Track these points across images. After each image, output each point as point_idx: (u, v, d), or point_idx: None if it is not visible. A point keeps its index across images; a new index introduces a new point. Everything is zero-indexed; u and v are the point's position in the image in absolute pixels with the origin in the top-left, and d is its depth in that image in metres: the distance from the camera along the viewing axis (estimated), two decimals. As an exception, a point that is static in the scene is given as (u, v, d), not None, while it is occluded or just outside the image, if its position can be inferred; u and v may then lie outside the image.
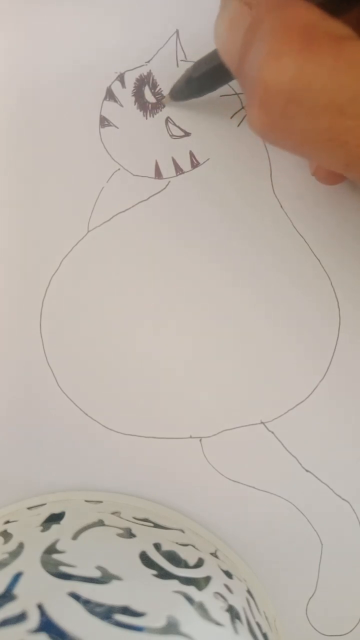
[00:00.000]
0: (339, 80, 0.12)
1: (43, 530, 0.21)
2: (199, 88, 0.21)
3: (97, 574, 0.18)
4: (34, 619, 0.16)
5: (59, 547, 0.19)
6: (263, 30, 0.13)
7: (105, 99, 0.23)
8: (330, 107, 0.13)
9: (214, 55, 0.19)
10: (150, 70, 0.22)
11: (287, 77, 0.13)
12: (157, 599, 0.18)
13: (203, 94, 0.21)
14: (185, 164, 0.23)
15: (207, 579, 0.20)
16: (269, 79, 0.13)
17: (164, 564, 0.20)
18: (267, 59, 0.13)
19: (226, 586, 0.20)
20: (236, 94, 0.22)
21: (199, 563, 0.21)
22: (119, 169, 0.23)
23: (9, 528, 0.22)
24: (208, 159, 0.23)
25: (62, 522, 0.21)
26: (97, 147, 0.23)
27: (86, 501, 0.23)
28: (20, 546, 0.20)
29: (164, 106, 0.23)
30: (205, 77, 0.20)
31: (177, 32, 0.22)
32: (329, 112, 0.13)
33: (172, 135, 0.23)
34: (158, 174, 0.23)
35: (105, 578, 0.18)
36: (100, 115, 0.23)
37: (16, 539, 0.20)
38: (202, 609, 0.18)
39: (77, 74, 0.23)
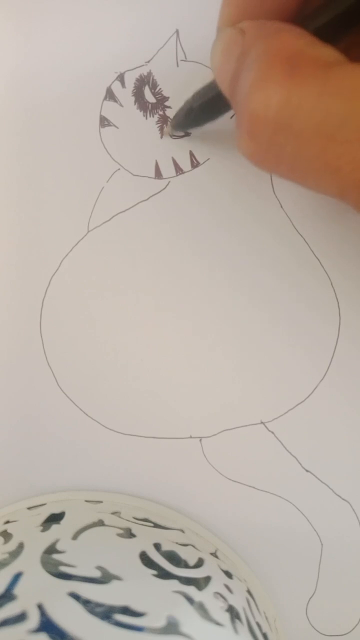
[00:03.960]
0: (327, 106, 0.12)
1: (43, 530, 0.21)
2: (200, 118, 0.20)
3: (97, 574, 0.18)
4: (34, 619, 0.16)
5: (59, 547, 0.19)
6: (250, 58, 0.13)
7: (105, 99, 0.23)
8: (319, 134, 0.12)
9: (213, 85, 0.19)
10: (150, 70, 0.22)
11: (273, 105, 0.13)
12: (157, 599, 0.18)
13: (204, 123, 0.21)
14: (185, 164, 0.23)
15: (207, 579, 0.20)
16: (255, 107, 0.13)
17: (164, 564, 0.20)
18: (252, 87, 0.13)
19: (226, 586, 0.20)
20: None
21: (199, 563, 0.21)
22: (119, 169, 0.23)
23: (9, 528, 0.22)
24: (208, 159, 0.23)
25: (62, 522, 0.21)
26: (97, 147, 0.23)
27: (86, 501, 0.23)
28: (20, 546, 0.20)
29: (167, 106, 0.22)
30: (206, 107, 0.20)
31: (177, 32, 0.22)
32: (319, 138, 0.12)
33: (172, 135, 0.23)
34: (158, 174, 0.23)
35: (105, 578, 0.18)
36: (100, 115, 0.23)
37: (16, 539, 0.20)
38: (202, 609, 0.18)
39: (77, 74, 0.23)
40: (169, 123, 0.22)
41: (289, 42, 0.13)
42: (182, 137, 0.23)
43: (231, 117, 0.23)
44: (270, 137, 0.13)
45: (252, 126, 0.13)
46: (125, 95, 0.23)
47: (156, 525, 0.22)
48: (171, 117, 0.23)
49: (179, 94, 0.22)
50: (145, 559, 0.20)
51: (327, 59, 0.13)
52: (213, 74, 0.16)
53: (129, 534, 0.21)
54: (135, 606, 0.17)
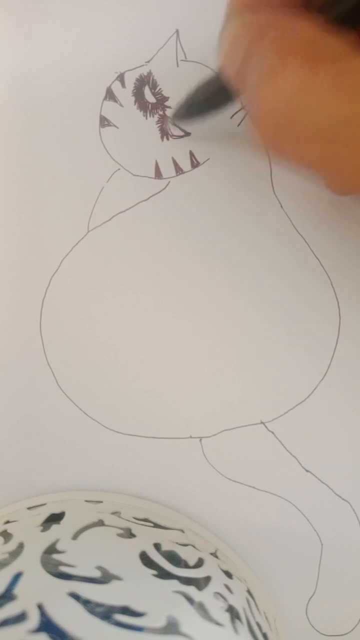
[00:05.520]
0: (332, 106, 0.12)
1: (43, 530, 0.21)
2: (203, 110, 0.20)
3: (97, 574, 0.18)
4: (34, 619, 0.16)
5: (59, 547, 0.19)
6: (263, 47, 0.13)
7: (105, 99, 0.23)
8: (321, 135, 0.12)
9: (216, 77, 0.19)
10: (150, 70, 0.22)
11: (285, 95, 0.13)
12: (157, 599, 0.18)
13: (206, 116, 0.21)
14: (185, 164, 0.23)
15: (207, 579, 0.20)
16: (268, 98, 0.13)
17: (164, 564, 0.20)
18: (265, 78, 0.13)
19: (226, 586, 0.20)
20: (236, 94, 0.22)
21: (199, 563, 0.21)
22: (119, 169, 0.23)
23: (9, 528, 0.22)
24: (208, 159, 0.23)
25: (62, 522, 0.21)
26: (97, 147, 0.23)
27: (86, 501, 0.23)
28: (20, 546, 0.20)
29: (167, 106, 0.22)
30: (209, 98, 0.20)
31: (177, 32, 0.22)
32: (320, 139, 0.12)
33: (172, 135, 0.23)
34: (158, 174, 0.23)
35: (105, 578, 0.18)
36: (100, 115, 0.23)
37: (16, 539, 0.20)
38: (202, 609, 0.18)
39: (77, 74, 0.23)
40: (170, 115, 0.22)
41: (302, 32, 0.13)
42: (182, 137, 0.23)
43: (231, 117, 0.23)
44: (284, 127, 0.13)
45: (265, 116, 0.13)
46: (125, 95, 0.23)
47: (156, 525, 0.22)
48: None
49: (179, 94, 0.22)
50: (145, 559, 0.20)
51: (341, 51, 0.13)
52: (219, 60, 0.16)
53: (129, 534, 0.21)
54: (135, 606, 0.17)
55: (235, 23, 0.15)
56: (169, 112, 0.22)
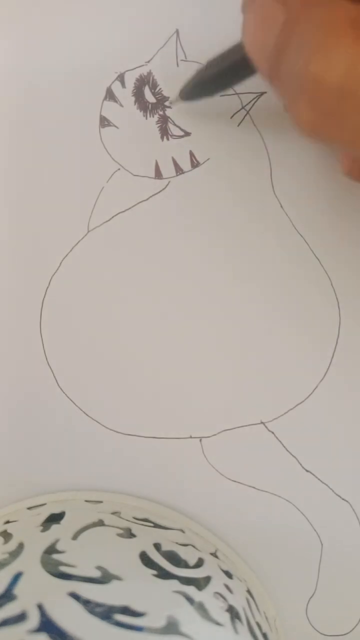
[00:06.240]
0: None
1: (43, 530, 0.21)
2: (213, 87, 0.20)
3: (97, 574, 0.18)
4: (34, 619, 0.16)
5: (59, 547, 0.19)
6: (305, 26, 0.13)
7: (105, 99, 0.23)
8: None
9: (230, 53, 0.19)
10: (150, 70, 0.22)
11: (339, 71, 0.12)
12: (157, 599, 0.18)
13: (215, 93, 0.21)
14: (185, 164, 0.23)
15: (207, 579, 0.20)
16: (320, 74, 0.13)
17: (164, 564, 0.20)
18: (315, 54, 0.13)
19: (226, 586, 0.20)
20: (236, 93, 0.22)
21: (199, 563, 0.21)
22: (119, 169, 0.23)
23: (9, 528, 0.22)
24: (208, 159, 0.23)
25: (62, 522, 0.21)
26: (97, 147, 0.23)
27: (86, 501, 0.23)
28: (20, 546, 0.20)
29: (167, 106, 0.22)
30: (220, 75, 0.19)
31: (177, 32, 0.22)
32: None
33: (172, 135, 0.23)
34: (158, 174, 0.23)
35: (105, 578, 0.18)
36: (100, 115, 0.23)
37: (16, 539, 0.20)
38: (202, 609, 0.18)
39: (77, 74, 0.23)
40: (178, 93, 0.22)
41: (348, 9, 0.13)
42: (182, 137, 0.23)
43: (231, 117, 0.23)
44: (335, 104, 0.13)
45: (316, 93, 0.13)
46: (125, 95, 0.23)
47: (156, 525, 0.22)
48: (171, 117, 0.23)
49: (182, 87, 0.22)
50: (145, 559, 0.20)
51: None
52: (245, 43, 0.15)
53: (129, 534, 0.21)
54: (135, 606, 0.17)
55: (260, 5, 0.14)
56: (169, 113, 0.22)
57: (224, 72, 0.19)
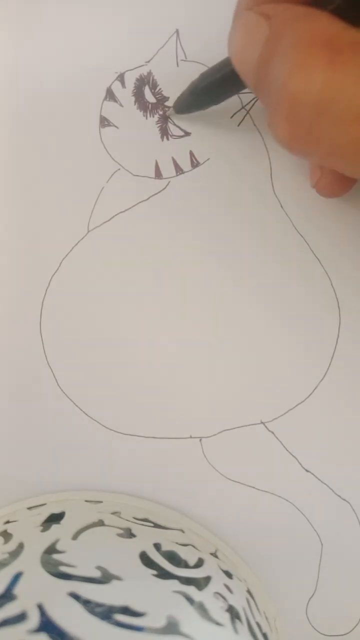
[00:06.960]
0: None
1: (43, 530, 0.21)
2: (205, 100, 0.21)
3: (97, 574, 0.18)
4: (34, 619, 0.16)
5: (59, 547, 0.19)
6: (285, 42, 0.13)
7: (105, 99, 0.23)
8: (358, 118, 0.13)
9: (220, 67, 0.19)
10: (150, 70, 0.22)
11: (315, 89, 0.13)
12: (157, 599, 0.18)
13: (208, 106, 0.21)
14: (185, 164, 0.23)
15: (207, 579, 0.20)
16: (296, 91, 0.13)
17: (164, 564, 0.20)
18: (293, 71, 0.13)
19: (226, 586, 0.20)
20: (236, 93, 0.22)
21: (199, 563, 0.21)
22: (119, 169, 0.23)
23: (9, 528, 0.22)
24: (208, 159, 0.23)
25: (62, 522, 0.21)
26: (97, 147, 0.23)
27: (86, 501, 0.23)
28: (20, 546, 0.20)
29: (167, 106, 0.22)
30: (212, 89, 0.20)
31: (177, 32, 0.22)
32: (358, 122, 0.13)
33: (172, 135, 0.23)
34: (158, 174, 0.23)
35: (105, 578, 0.18)
36: (100, 115, 0.23)
37: (16, 539, 0.20)
38: (202, 609, 0.18)
39: (77, 74, 0.23)
40: (172, 105, 0.22)
41: (326, 26, 0.13)
42: (182, 137, 0.23)
43: (231, 117, 0.23)
44: (310, 121, 0.13)
45: (293, 109, 0.13)
46: (125, 95, 0.23)
47: (156, 525, 0.22)
48: (171, 117, 0.23)
49: (179, 94, 0.22)
50: (145, 559, 0.20)
51: (358, 39, 0.13)
52: (230, 56, 0.16)
53: (129, 534, 0.21)
54: (135, 606, 0.17)
55: (246, 19, 0.15)
56: (169, 112, 0.22)
57: (216, 85, 0.19)
